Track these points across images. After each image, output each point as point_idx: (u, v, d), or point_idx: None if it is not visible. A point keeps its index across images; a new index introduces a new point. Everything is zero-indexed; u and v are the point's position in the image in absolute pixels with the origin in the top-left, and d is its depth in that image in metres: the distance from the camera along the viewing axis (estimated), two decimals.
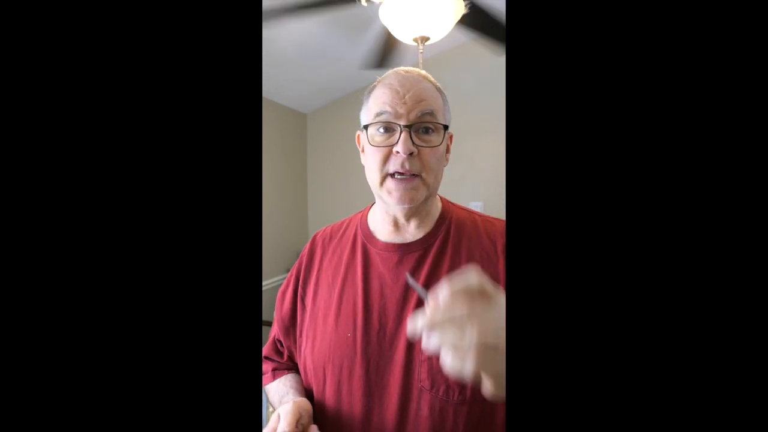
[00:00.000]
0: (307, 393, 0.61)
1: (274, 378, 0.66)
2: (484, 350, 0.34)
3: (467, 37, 1.67)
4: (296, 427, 0.49)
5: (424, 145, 0.55)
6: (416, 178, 0.55)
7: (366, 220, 0.66)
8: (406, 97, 0.55)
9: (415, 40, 1.47)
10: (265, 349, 0.70)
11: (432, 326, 0.36)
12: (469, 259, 0.58)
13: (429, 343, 0.36)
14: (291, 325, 0.66)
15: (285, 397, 0.60)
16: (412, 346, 0.54)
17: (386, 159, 0.55)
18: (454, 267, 0.57)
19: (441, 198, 0.66)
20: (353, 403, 0.55)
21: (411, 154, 0.53)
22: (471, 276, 0.37)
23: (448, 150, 0.61)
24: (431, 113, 0.55)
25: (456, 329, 0.35)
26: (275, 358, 0.69)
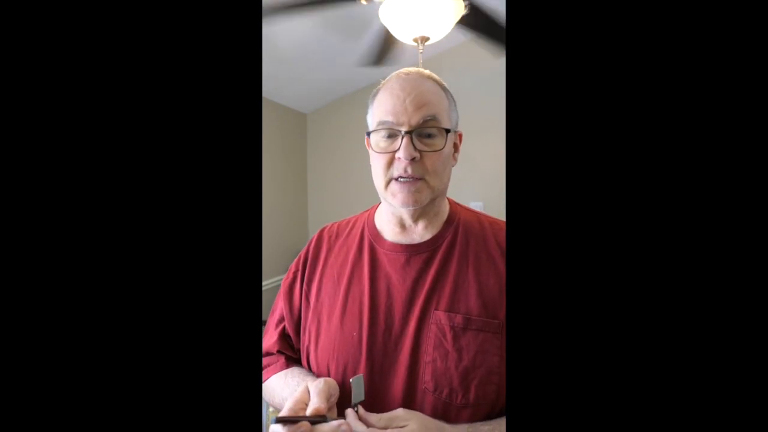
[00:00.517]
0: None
1: (288, 366, 0.64)
2: None
3: (467, 37, 1.67)
4: (327, 403, 0.48)
5: (427, 149, 0.55)
6: (420, 181, 0.55)
7: (373, 219, 0.66)
8: (407, 102, 0.54)
9: (415, 40, 1.47)
10: (275, 345, 0.68)
11: None
12: (476, 262, 0.58)
13: None
14: (299, 319, 0.65)
15: (307, 378, 0.58)
16: (417, 347, 0.54)
17: (390, 164, 0.56)
18: (461, 269, 0.57)
19: (449, 200, 0.66)
20: None
21: (413, 159, 0.54)
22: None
23: (456, 149, 0.61)
24: (434, 117, 0.55)
25: None
26: (288, 352, 0.67)
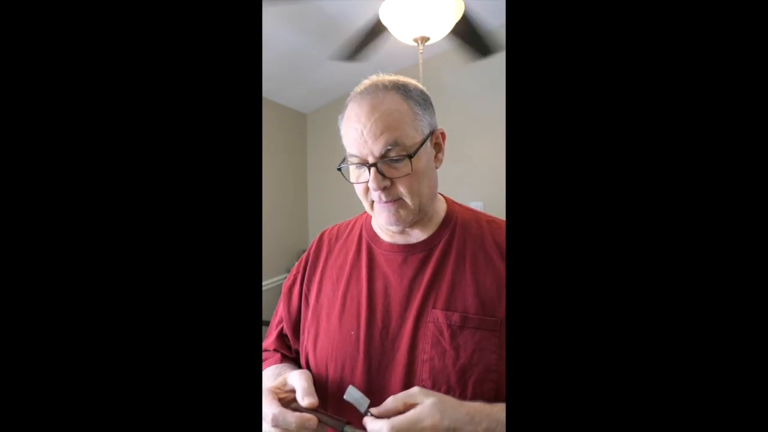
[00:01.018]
0: None
1: (282, 362, 0.66)
2: None
3: (487, 31, 1.66)
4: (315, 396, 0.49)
5: (397, 175, 0.53)
6: (398, 201, 0.55)
7: (370, 220, 0.67)
8: (364, 133, 0.52)
9: (415, 40, 1.47)
10: (273, 344, 0.69)
11: None
12: (473, 260, 0.58)
13: None
14: (298, 321, 0.66)
15: (283, 372, 0.59)
16: (415, 345, 0.54)
17: (366, 191, 0.56)
18: (458, 268, 0.58)
19: (446, 198, 0.66)
20: None
21: (384, 188, 0.54)
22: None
23: (440, 149, 0.60)
24: (395, 143, 0.52)
25: None
26: (284, 351, 0.69)
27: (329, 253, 0.67)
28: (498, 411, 0.47)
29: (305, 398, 0.48)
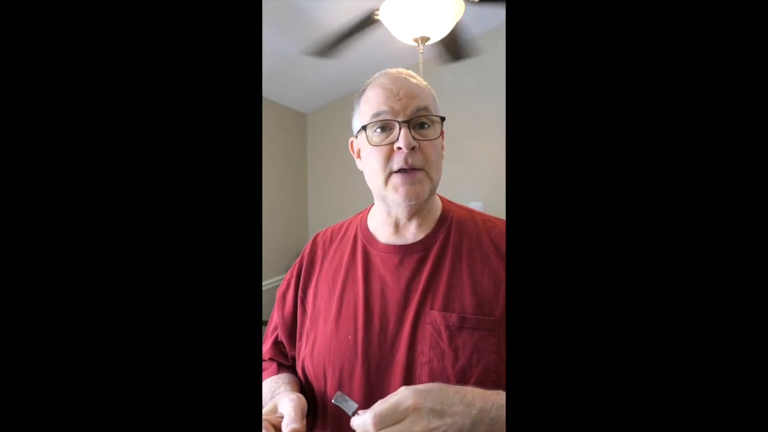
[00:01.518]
0: (307, 394, 0.61)
1: (278, 372, 0.65)
2: None
3: (467, 37, 1.68)
4: (303, 422, 0.48)
5: (423, 139, 0.56)
6: (420, 172, 0.56)
7: (365, 221, 0.66)
8: (400, 93, 0.56)
9: (416, 40, 1.47)
10: (269, 351, 0.69)
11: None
12: (470, 259, 0.58)
13: None
14: (293, 327, 0.65)
15: (278, 391, 0.59)
16: (413, 348, 0.54)
17: (388, 157, 0.56)
18: (455, 267, 0.57)
19: (441, 198, 0.66)
20: None
21: (413, 148, 0.54)
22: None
23: (442, 146, 0.62)
24: (426, 108, 0.57)
25: None
26: (280, 359, 0.68)
27: (324, 256, 0.66)
28: (493, 394, 0.47)
29: (289, 425, 0.47)
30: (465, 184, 2.46)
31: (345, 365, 0.56)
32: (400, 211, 0.59)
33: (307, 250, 0.69)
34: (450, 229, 0.61)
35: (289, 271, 0.69)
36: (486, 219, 0.63)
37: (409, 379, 0.53)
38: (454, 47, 1.71)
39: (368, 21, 1.50)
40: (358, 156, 0.63)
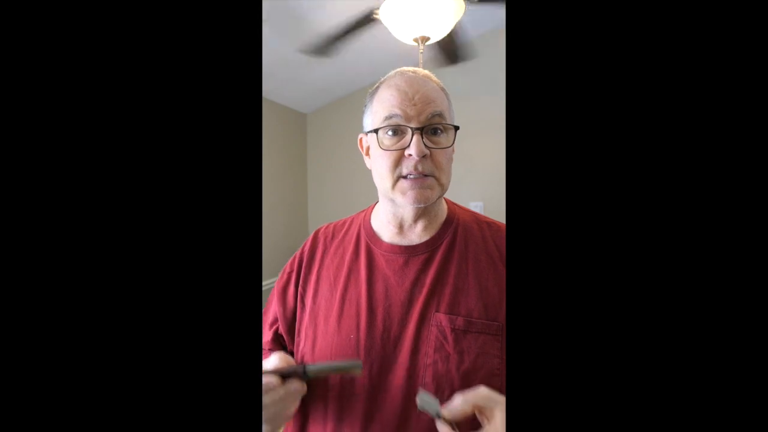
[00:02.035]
0: (307, 395, 0.61)
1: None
2: None
3: (467, 37, 1.68)
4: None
5: (435, 146, 0.54)
6: (430, 178, 0.55)
7: (369, 220, 0.65)
8: (416, 98, 0.54)
9: (415, 40, 1.47)
10: (268, 344, 0.68)
11: None
12: (476, 263, 0.57)
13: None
14: (293, 322, 0.65)
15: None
16: (417, 349, 0.53)
17: (398, 162, 0.55)
18: (461, 271, 0.57)
19: (446, 200, 0.65)
20: (355, 406, 0.55)
21: (424, 156, 0.53)
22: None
23: (452, 149, 0.60)
24: (440, 114, 0.55)
25: None
26: (279, 350, 0.67)
27: (325, 251, 0.65)
28: None
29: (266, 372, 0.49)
30: (465, 184, 2.46)
31: None
32: (406, 212, 0.59)
33: (308, 245, 0.68)
34: (456, 232, 0.60)
35: (289, 264, 0.68)
36: (490, 223, 0.62)
37: (412, 380, 0.53)
38: (450, 51, 1.71)
39: (367, 20, 1.50)
40: (367, 153, 0.62)
